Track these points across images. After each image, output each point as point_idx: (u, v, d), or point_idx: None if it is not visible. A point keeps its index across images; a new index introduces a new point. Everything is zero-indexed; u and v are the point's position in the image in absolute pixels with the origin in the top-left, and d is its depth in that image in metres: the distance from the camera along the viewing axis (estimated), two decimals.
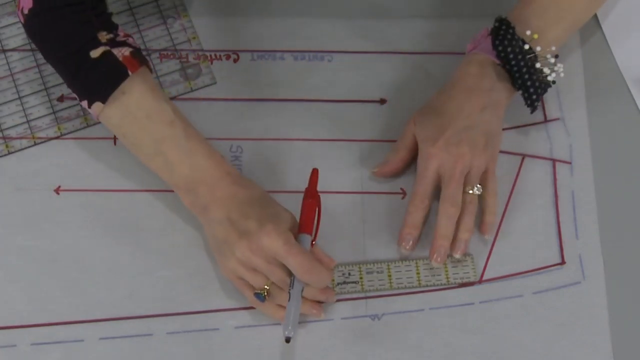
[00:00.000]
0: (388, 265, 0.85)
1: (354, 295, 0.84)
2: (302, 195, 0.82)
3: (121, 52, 0.79)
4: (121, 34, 0.82)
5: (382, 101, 0.93)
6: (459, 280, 0.85)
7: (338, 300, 0.84)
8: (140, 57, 0.81)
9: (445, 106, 0.86)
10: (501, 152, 0.88)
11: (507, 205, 0.88)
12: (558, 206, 0.88)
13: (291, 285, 0.78)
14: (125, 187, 0.88)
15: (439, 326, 0.83)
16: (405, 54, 0.95)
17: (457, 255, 0.85)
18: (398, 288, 0.85)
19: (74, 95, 0.90)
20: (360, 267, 0.85)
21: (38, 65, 0.93)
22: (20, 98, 0.91)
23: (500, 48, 0.85)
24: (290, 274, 0.78)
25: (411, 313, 0.84)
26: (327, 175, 0.84)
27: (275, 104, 0.92)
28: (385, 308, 0.84)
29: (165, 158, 0.80)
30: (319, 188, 0.83)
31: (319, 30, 0.96)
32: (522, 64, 0.84)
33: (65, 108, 0.91)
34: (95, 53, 0.79)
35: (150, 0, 0.96)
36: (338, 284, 0.84)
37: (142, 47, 0.93)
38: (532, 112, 0.88)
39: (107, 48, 0.79)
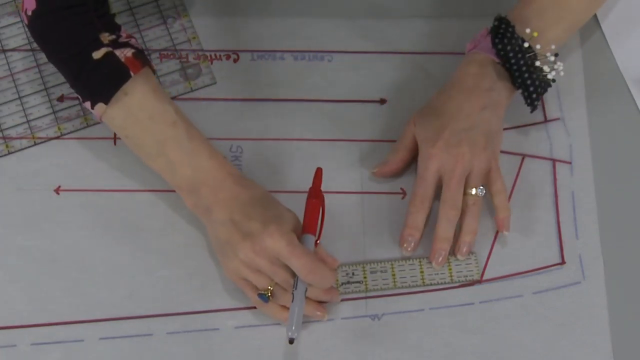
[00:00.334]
0: (392, 264, 0.85)
1: (358, 295, 0.84)
2: (302, 195, 0.82)
3: (123, 53, 0.79)
4: (124, 35, 0.82)
5: (382, 101, 0.93)
6: (462, 279, 0.85)
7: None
8: (142, 58, 0.80)
9: (445, 106, 0.86)
10: (501, 152, 0.88)
11: None
12: (558, 206, 0.88)
13: (295, 286, 0.78)
14: (125, 187, 0.88)
15: (439, 326, 0.83)
16: (405, 54, 0.95)
17: (461, 257, 0.85)
18: (402, 287, 0.85)
19: (74, 95, 0.91)
20: (364, 267, 0.85)
21: (38, 65, 0.93)
22: (20, 98, 0.91)
23: (499, 46, 0.85)
24: (293, 274, 0.78)
25: (411, 313, 0.84)
26: (327, 175, 0.84)
27: (275, 104, 0.92)
28: (385, 308, 0.84)
29: (168, 159, 0.80)
30: (322, 190, 0.83)
31: (319, 30, 0.95)
32: (521, 62, 0.84)
33: (65, 108, 0.91)
34: (97, 54, 0.79)
35: (150, 0, 0.96)
36: (342, 283, 0.84)
37: (142, 47, 0.93)
38: (532, 112, 0.88)
39: (110, 49, 0.79)
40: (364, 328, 0.83)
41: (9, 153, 0.89)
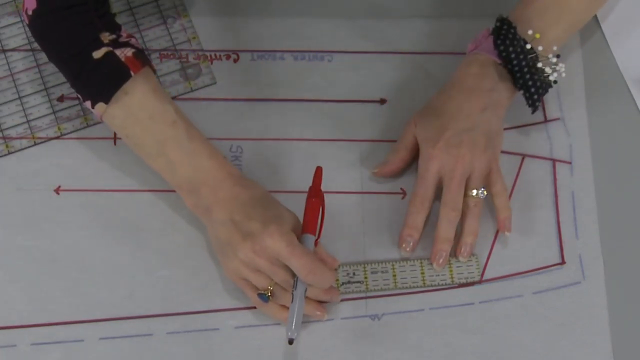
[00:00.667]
0: (392, 264, 0.85)
1: (358, 295, 0.84)
2: (302, 195, 0.82)
3: (124, 53, 0.79)
4: (124, 34, 0.82)
5: (382, 101, 0.93)
6: (463, 280, 0.85)
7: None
8: (142, 58, 0.80)
9: (445, 106, 0.86)
10: (501, 152, 0.88)
11: None
12: (558, 206, 0.88)
13: (294, 286, 0.78)
14: (125, 187, 0.88)
15: (439, 326, 0.83)
16: (405, 54, 0.95)
17: (462, 259, 0.85)
18: (402, 288, 0.85)
19: (74, 95, 0.91)
20: (364, 267, 0.85)
21: (38, 65, 0.93)
22: (20, 98, 0.91)
23: (502, 48, 0.85)
24: (293, 274, 0.78)
25: (411, 313, 0.84)
26: (327, 175, 0.84)
27: (275, 104, 0.92)
28: (385, 308, 0.84)
29: (168, 159, 0.80)
30: (322, 189, 0.83)
31: (319, 30, 0.95)
32: (523, 63, 0.84)
33: (65, 108, 0.91)
34: (97, 54, 0.79)
35: (150, 0, 0.96)
36: (343, 283, 0.84)
37: (142, 47, 0.93)
38: (533, 112, 0.88)
39: (110, 49, 0.79)
40: (364, 328, 0.83)
41: (9, 153, 0.89)
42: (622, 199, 0.89)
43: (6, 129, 0.90)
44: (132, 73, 0.79)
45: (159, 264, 0.85)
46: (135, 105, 0.80)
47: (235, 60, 0.94)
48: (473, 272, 0.85)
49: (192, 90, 0.93)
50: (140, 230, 0.86)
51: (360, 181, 0.89)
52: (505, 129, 0.88)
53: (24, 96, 0.92)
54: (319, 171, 0.83)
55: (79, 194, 0.88)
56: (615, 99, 0.93)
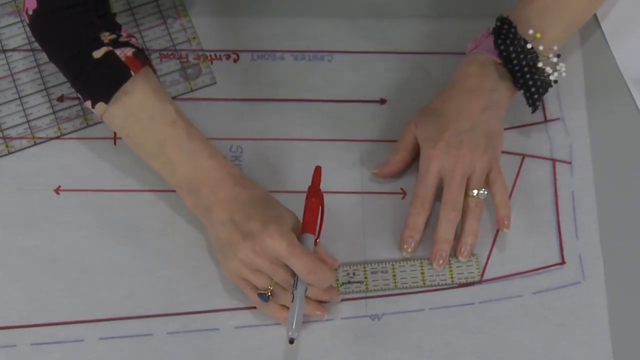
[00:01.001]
0: (393, 265, 0.85)
1: (358, 295, 0.84)
2: (302, 195, 0.82)
3: (124, 53, 0.79)
4: (124, 34, 0.82)
5: (382, 101, 0.93)
6: (463, 280, 0.85)
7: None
8: (143, 58, 0.80)
9: (445, 107, 0.86)
10: (501, 152, 0.88)
11: None
12: (558, 206, 0.88)
13: (294, 285, 0.78)
14: (125, 187, 0.88)
15: (439, 326, 0.83)
16: (405, 54, 0.95)
17: (462, 259, 0.85)
18: (402, 288, 0.85)
19: (74, 95, 0.91)
20: (364, 267, 0.85)
21: (38, 65, 0.93)
22: (20, 98, 0.91)
23: (502, 47, 0.85)
24: (293, 274, 0.78)
25: (411, 313, 0.84)
26: (327, 175, 0.84)
27: (275, 104, 0.92)
28: (385, 308, 0.84)
29: (168, 159, 0.80)
30: (321, 189, 0.83)
31: (319, 30, 0.95)
32: (523, 63, 0.84)
33: (65, 108, 0.91)
34: (97, 54, 0.79)
35: (150, 0, 0.96)
36: (343, 283, 0.84)
37: (142, 46, 0.93)
38: (533, 112, 0.88)
39: (110, 49, 0.79)
40: (364, 328, 0.83)
41: (9, 153, 0.89)
42: (622, 199, 0.89)
43: (6, 129, 0.90)
44: (132, 73, 0.79)
45: (159, 264, 0.85)
46: (135, 105, 0.80)
47: (235, 60, 0.94)
48: (473, 272, 0.85)
49: (192, 90, 0.93)
50: (140, 230, 0.86)
51: (360, 181, 0.89)
52: (505, 129, 0.88)
53: (24, 96, 0.92)
54: (318, 171, 0.83)
55: (79, 194, 0.88)
56: (615, 99, 0.93)
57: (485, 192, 0.85)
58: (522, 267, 0.86)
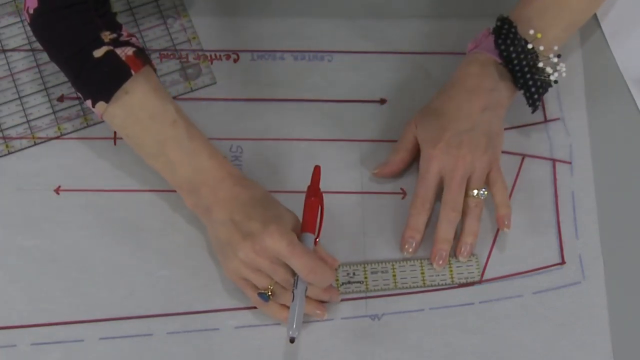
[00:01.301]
0: (393, 265, 0.85)
1: (358, 295, 0.84)
2: (302, 195, 0.83)
3: (124, 52, 0.79)
4: (124, 33, 0.82)
5: (382, 101, 0.93)
6: (463, 280, 0.85)
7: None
8: (143, 57, 0.80)
9: (445, 107, 0.86)
10: (502, 152, 0.88)
11: None
12: (558, 206, 0.88)
13: (295, 285, 0.78)
14: (125, 187, 0.88)
15: (439, 326, 0.83)
16: (405, 54, 0.95)
17: (462, 259, 0.85)
18: (402, 288, 0.85)
19: (74, 95, 0.91)
20: (364, 267, 0.85)
21: (38, 65, 0.93)
22: (20, 98, 0.91)
23: (503, 47, 0.85)
24: (293, 273, 0.78)
25: (411, 313, 0.84)
26: (327, 175, 0.84)
27: (275, 104, 0.92)
28: (385, 308, 0.84)
29: (168, 158, 0.80)
30: (320, 188, 0.83)
31: (319, 30, 0.95)
32: (524, 63, 0.84)
33: (65, 108, 0.91)
34: (98, 53, 0.79)
35: (150, 0, 0.96)
36: (343, 283, 0.84)
37: (143, 46, 0.93)
38: (533, 112, 0.88)
39: (110, 48, 0.79)
40: (364, 328, 0.83)
41: (9, 153, 0.89)
42: (622, 199, 0.89)
43: (6, 129, 0.90)
44: (132, 72, 0.79)
45: (159, 264, 0.85)
46: (135, 105, 0.80)
47: (235, 60, 0.94)
48: (473, 272, 0.85)
49: (192, 90, 0.93)
50: (140, 230, 0.86)
51: (360, 181, 0.89)
52: (505, 129, 0.88)
53: (24, 96, 0.92)
54: (317, 170, 0.83)
55: (79, 194, 0.88)
56: (615, 99, 0.94)
57: (486, 192, 0.85)
58: (522, 267, 0.86)
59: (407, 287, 0.85)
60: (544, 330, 0.83)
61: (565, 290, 0.85)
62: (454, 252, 0.85)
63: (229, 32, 0.95)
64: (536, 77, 0.85)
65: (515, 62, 0.84)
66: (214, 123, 0.90)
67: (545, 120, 0.92)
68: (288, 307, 0.79)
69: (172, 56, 0.94)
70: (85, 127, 0.91)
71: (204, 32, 0.95)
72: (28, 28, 0.93)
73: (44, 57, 0.92)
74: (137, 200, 0.87)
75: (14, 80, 0.92)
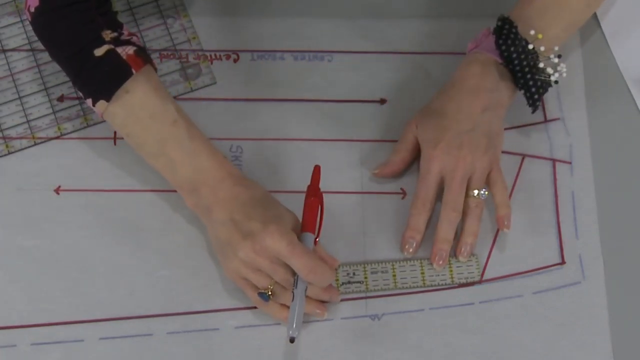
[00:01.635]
0: (393, 265, 0.85)
1: (358, 295, 0.84)
2: (302, 195, 0.83)
3: (125, 51, 0.79)
4: (125, 32, 0.82)
5: (382, 101, 0.93)
6: (463, 280, 0.85)
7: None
8: (144, 56, 0.80)
9: (445, 107, 0.86)
10: (502, 152, 0.88)
11: None
12: (558, 206, 0.88)
13: (295, 284, 0.78)
14: (125, 187, 0.88)
15: (439, 326, 0.83)
16: (405, 54, 0.95)
17: (462, 259, 0.85)
18: (402, 288, 0.85)
19: (74, 95, 0.91)
20: (364, 267, 0.85)
21: (38, 65, 0.93)
22: (20, 98, 0.91)
23: (503, 47, 0.85)
24: (293, 273, 0.78)
25: (411, 313, 0.84)
26: (327, 175, 0.84)
27: (275, 104, 0.92)
28: (385, 308, 0.84)
29: (168, 158, 0.80)
30: (320, 188, 0.83)
31: (319, 30, 0.96)
32: (524, 63, 0.84)
33: (65, 108, 0.91)
34: (99, 51, 0.79)
35: (150, 0, 0.96)
36: (343, 283, 0.84)
37: (144, 45, 0.93)
38: (533, 112, 0.88)
39: (111, 47, 0.79)
40: (364, 328, 0.83)
41: (9, 153, 0.89)
42: (622, 199, 0.89)
43: (6, 129, 0.90)
44: (133, 71, 0.79)
45: (159, 264, 0.85)
46: (136, 104, 0.80)
47: (235, 60, 0.94)
48: (473, 272, 0.85)
49: (192, 90, 0.93)
50: (140, 230, 0.86)
51: (360, 181, 0.89)
52: (505, 129, 0.88)
53: (24, 96, 0.92)
54: (317, 170, 0.83)
55: (79, 194, 0.88)
56: (615, 99, 0.94)
57: (486, 193, 0.85)
58: (522, 267, 0.86)
59: (407, 287, 0.85)
60: (544, 330, 0.83)
61: (565, 290, 0.85)
62: (454, 252, 0.85)
63: (229, 32, 0.95)
64: (536, 77, 0.85)
65: (516, 62, 0.84)
66: (214, 123, 0.90)
67: (545, 120, 0.92)
68: (288, 307, 0.79)
69: (172, 56, 0.94)
70: (85, 127, 0.91)
71: (204, 32, 0.95)
72: (28, 28, 0.93)
73: (44, 57, 0.92)
74: (137, 200, 0.87)
75: (14, 80, 0.92)
